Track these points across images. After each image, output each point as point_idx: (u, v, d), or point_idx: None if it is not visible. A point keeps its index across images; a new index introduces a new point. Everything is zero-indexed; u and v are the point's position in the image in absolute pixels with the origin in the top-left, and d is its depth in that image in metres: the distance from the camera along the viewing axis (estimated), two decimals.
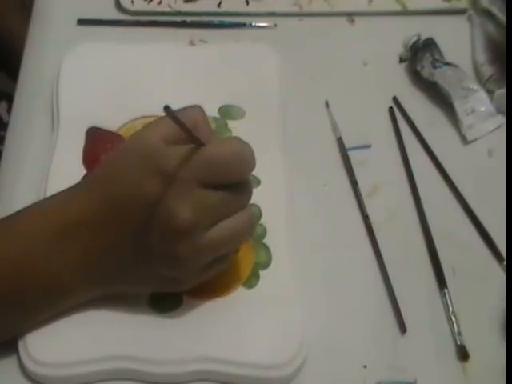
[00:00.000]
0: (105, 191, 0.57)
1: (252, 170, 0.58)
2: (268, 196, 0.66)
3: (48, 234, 0.57)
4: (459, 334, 0.62)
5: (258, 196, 0.66)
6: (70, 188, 0.59)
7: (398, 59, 0.80)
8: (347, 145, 0.72)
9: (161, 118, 0.56)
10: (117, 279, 0.59)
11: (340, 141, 0.73)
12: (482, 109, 0.75)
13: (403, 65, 0.79)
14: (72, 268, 0.57)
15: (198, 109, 0.59)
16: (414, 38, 0.78)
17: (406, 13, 0.83)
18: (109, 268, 0.58)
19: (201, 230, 0.55)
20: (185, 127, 0.54)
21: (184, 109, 0.58)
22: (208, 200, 0.55)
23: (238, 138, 0.58)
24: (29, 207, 0.60)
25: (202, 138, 0.56)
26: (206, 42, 0.80)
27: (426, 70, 0.76)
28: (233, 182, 0.56)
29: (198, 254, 0.56)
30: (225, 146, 0.57)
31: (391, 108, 0.76)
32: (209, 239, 0.56)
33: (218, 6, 0.82)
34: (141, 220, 0.56)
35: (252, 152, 0.57)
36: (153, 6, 0.82)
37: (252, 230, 0.60)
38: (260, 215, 0.65)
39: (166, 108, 0.51)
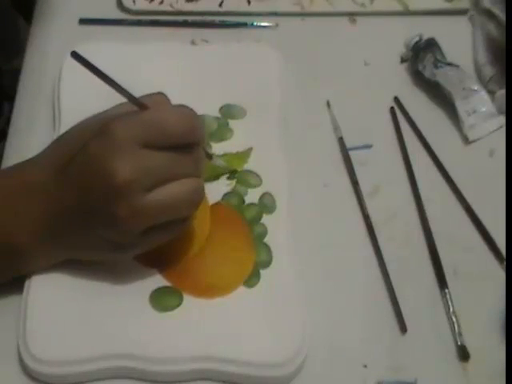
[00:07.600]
0: (54, 153, 0.60)
1: (197, 135, 0.58)
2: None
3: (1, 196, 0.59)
4: (460, 334, 0.62)
5: (258, 195, 0.67)
6: (26, 160, 0.62)
7: (399, 59, 0.80)
8: (348, 145, 0.73)
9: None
10: (68, 244, 0.59)
11: (341, 141, 0.73)
12: (484, 109, 0.75)
13: (405, 65, 0.79)
14: (25, 230, 0.58)
15: (161, 94, 0.60)
16: (416, 38, 0.78)
17: (407, 13, 0.83)
18: (59, 232, 0.58)
19: (139, 190, 0.55)
20: (121, 89, 0.56)
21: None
22: (149, 161, 0.55)
23: (183, 105, 0.58)
24: None
25: None
26: (207, 41, 0.80)
27: (428, 70, 0.76)
28: (176, 145, 0.56)
29: (137, 216, 0.56)
30: (167, 108, 0.58)
31: (392, 108, 0.76)
32: (148, 201, 0.55)
33: (220, 5, 0.83)
34: (85, 180, 0.56)
35: (197, 117, 0.58)
36: (154, 6, 0.82)
37: (197, 201, 0.59)
38: (260, 217, 0.66)
39: (74, 54, 0.54)
